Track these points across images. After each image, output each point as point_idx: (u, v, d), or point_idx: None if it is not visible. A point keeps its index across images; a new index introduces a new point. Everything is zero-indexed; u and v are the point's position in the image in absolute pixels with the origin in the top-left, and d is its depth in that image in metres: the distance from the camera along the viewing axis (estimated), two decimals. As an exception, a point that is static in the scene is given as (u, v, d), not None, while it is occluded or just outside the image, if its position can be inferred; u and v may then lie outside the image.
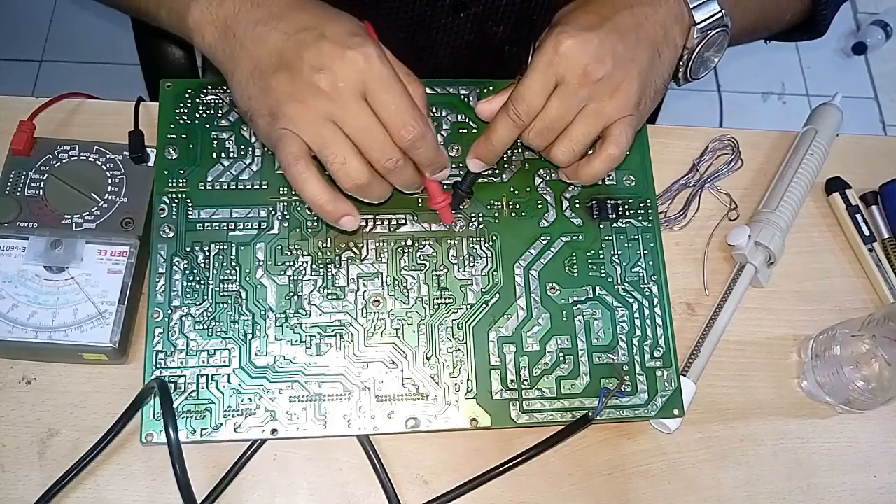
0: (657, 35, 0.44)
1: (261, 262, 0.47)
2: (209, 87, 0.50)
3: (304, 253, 0.47)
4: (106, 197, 0.47)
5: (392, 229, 0.48)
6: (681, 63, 0.47)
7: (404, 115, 0.40)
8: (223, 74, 0.44)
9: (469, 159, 0.47)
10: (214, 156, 0.48)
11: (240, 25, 0.42)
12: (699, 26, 0.45)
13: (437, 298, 0.47)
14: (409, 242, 0.48)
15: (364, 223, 0.48)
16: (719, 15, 0.45)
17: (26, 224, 0.46)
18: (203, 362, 0.45)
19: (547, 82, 0.43)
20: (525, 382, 0.46)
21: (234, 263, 0.46)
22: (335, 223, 0.42)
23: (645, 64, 0.44)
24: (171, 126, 0.49)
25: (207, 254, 0.46)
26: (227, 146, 0.48)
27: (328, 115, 0.40)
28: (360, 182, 0.41)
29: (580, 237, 0.50)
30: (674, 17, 0.45)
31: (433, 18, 0.57)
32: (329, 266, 0.47)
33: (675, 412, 0.47)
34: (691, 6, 0.45)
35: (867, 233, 0.56)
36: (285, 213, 0.47)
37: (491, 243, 0.49)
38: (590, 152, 0.47)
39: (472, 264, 0.48)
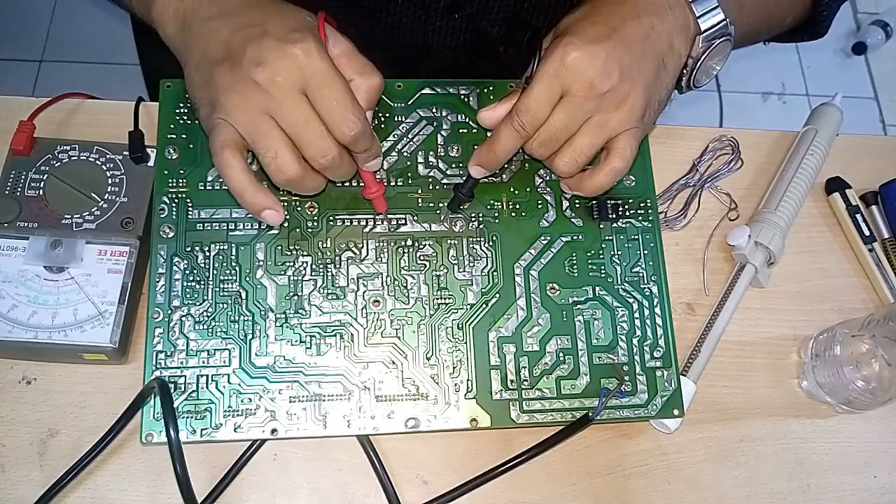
0: (663, 46, 0.44)
1: (261, 262, 0.47)
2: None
3: (304, 253, 0.47)
4: (106, 197, 0.48)
5: (392, 229, 0.48)
6: (684, 71, 0.47)
7: (344, 111, 0.40)
8: (182, 65, 0.45)
9: (471, 166, 0.47)
10: (214, 156, 0.48)
11: (195, 20, 0.43)
12: (704, 35, 0.45)
13: (437, 298, 0.47)
14: (409, 242, 0.48)
15: (364, 223, 0.48)
16: (723, 23, 0.45)
17: (26, 224, 0.46)
18: (203, 362, 0.45)
19: (552, 93, 0.42)
20: (525, 382, 0.46)
21: (234, 263, 0.46)
22: (257, 215, 0.43)
23: (650, 76, 0.44)
24: (171, 126, 0.49)
25: (207, 254, 0.46)
26: (227, 146, 0.48)
27: (265, 109, 0.40)
28: (292, 176, 0.41)
29: (580, 237, 0.50)
30: (679, 26, 0.45)
31: (428, 21, 0.57)
32: (329, 266, 0.47)
33: (675, 412, 0.47)
34: (697, 15, 0.45)
35: (867, 233, 0.56)
36: (285, 213, 0.47)
37: (491, 243, 0.49)
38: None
39: (472, 264, 0.48)
